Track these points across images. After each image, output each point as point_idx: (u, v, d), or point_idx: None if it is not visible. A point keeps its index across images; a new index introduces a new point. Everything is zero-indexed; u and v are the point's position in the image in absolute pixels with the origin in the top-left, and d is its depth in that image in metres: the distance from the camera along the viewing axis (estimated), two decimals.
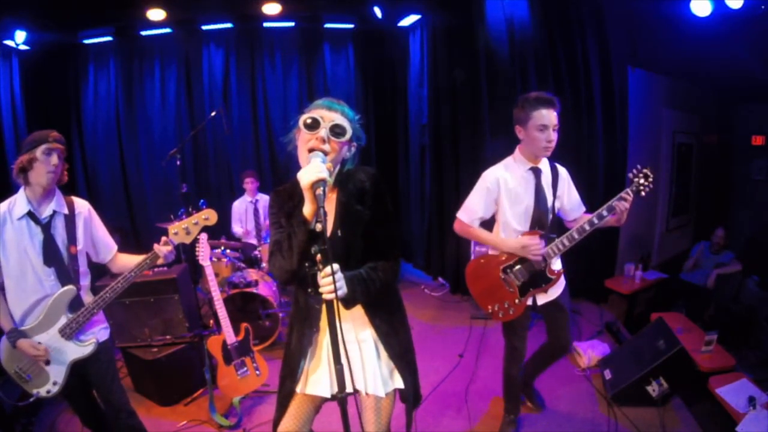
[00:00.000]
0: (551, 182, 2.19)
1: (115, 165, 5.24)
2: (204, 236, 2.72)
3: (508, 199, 2.16)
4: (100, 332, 1.95)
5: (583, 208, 2.29)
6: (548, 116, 2.01)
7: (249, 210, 4.63)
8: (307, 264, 1.32)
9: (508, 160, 2.21)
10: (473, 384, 3.02)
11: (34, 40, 4.37)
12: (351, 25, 5.35)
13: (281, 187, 1.52)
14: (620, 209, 1.98)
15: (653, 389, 2.59)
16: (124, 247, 2.10)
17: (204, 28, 5.03)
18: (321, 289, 1.25)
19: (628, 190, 1.98)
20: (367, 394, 1.53)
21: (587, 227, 2.04)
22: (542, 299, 2.24)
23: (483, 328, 3.77)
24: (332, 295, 1.23)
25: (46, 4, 3.99)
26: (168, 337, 2.92)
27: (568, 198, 2.25)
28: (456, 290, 4.71)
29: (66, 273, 1.82)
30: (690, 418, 2.56)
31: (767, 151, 5.05)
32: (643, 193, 1.99)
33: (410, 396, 1.57)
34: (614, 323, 3.70)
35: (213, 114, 4.21)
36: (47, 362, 1.82)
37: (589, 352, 3.16)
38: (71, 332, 1.82)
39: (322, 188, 1.19)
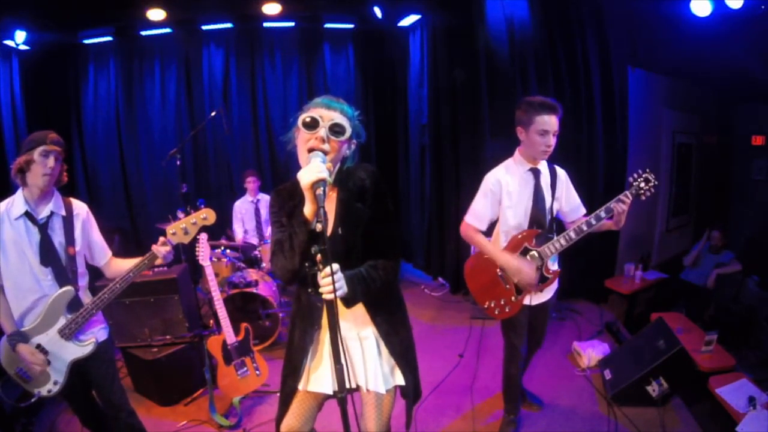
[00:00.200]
0: (550, 183, 2.22)
1: (115, 165, 5.23)
2: (204, 236, 2.72)
3: (508, 199, 2.18)
4: (99, 332, 1.95)
5: (583, 210, 2.30)
6: (550, 122, 2.04)
7: (250, 210, 4.63)
8: (307, 264, 1.32)
9: (509, 162, 2.24)
10: (473, 384, 3.02)
11: (34, 40, 4.37)
12: (351, 25, 5.34)
13: (282, 186, 1.52)
14: (618, 211, 1.99)
15: (653, 389, 2.60)
16: (124, 247, 2.10)
17: (204, 28, 5.03)
18: (321, 289, 1.25)
19: (628, 192, 1.99)
20: (368, 390, 1.53)
21: (584, 228, 2.06)
22: (537, 299, 2.25)
23: (483, 328, 3.76)
24: (332, 295, 1.23)
25: (46, 4, 3.99)
26: (168, 337, 2.92)
27: (566, 200, 2.27)
28: (456, 290, 4.71)
29: (64, 273, 1.82)
30: (690, 418, 2.56)
31: (767, 151, 5.04)
32: (643, 198, 2.01)
33: (411, 392, 1.57)
34: (614, 323, 3.70)
35: (213, 114, 4.21)
36: (48, 363, 1.82)
37: (589, 352, 3.16)
38: (70, 333, 1.82)
39: (322, 188, 1.19)
